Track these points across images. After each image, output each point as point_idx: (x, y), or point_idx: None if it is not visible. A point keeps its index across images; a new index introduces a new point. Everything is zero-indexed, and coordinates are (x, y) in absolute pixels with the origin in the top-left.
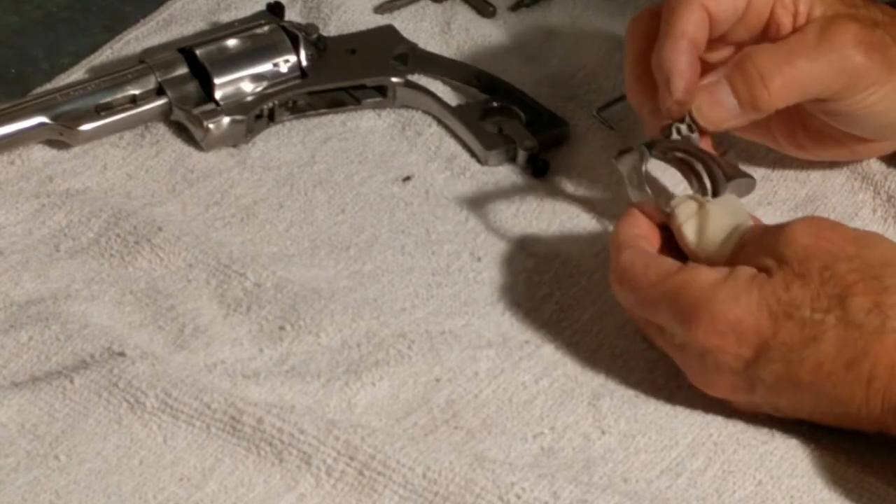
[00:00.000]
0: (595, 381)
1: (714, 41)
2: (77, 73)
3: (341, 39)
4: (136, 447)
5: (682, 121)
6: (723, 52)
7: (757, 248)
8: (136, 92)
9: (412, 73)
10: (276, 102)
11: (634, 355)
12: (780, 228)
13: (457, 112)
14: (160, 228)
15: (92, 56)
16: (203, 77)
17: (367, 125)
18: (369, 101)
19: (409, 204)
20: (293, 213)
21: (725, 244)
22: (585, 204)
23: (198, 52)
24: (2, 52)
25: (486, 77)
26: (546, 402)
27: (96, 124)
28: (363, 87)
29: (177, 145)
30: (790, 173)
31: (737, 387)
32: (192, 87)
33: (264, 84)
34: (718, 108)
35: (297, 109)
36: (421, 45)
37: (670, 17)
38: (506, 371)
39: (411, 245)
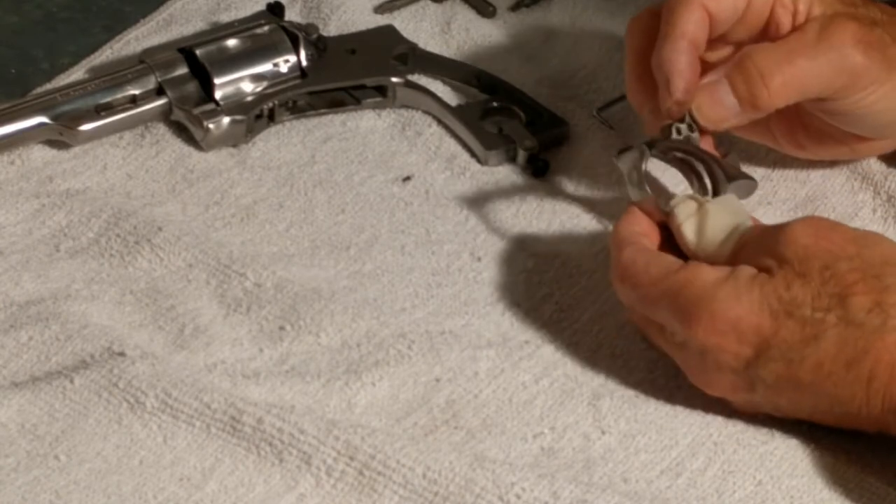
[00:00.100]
0: (595, 381)
1: (714, 41)
2: (77, 73)
3: (341, 39)
4: (136, 447)
5: (682, 120)
6: (722, 52)
7: (757, 248)
8: (136, 92)
9: (412, 73)
10: (276, 102)
11: (634, 355)
12: (780, 229)
13: (457, 112)
14: (160, 228)
15: (92, 56)
16: (203, 77)
17: (367, 125)
18: (369, 101)
19: (409, 204)
20: (293, 213)
21: (725, 244)
22: (585, 204)
23: (198, 52)
24: (2, 52)
25: (486, 77)
26: (546, 402)
27: (96, 124)
28: (363, 87)
29: (177, 145)
30: (790, 173)
31: (737, 386)
32: (192, 87)
33: (264, 84)
34: (718, 107)
35: (297, 109)
36: (421, 45)
37: (670, 17)
38: (506, 371)
39: (411, 245)
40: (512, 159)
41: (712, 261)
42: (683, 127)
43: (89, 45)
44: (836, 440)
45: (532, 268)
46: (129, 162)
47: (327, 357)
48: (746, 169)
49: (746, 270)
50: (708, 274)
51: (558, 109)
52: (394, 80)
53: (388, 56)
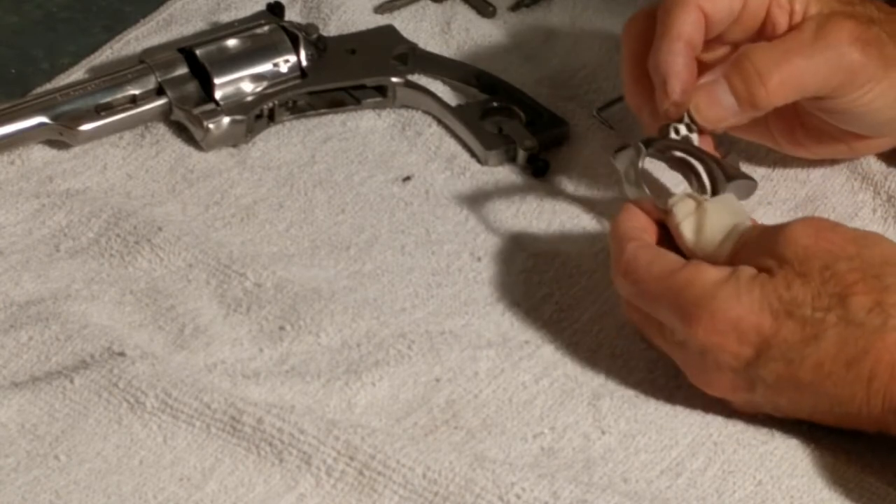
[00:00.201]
0: (595, 381)
1: (710, 41)
2: (77, 73)
3: (341, 39)
4: (136, 447)
5: (680, 121)
6: (719, 52)
7: (757, 248)
8: (136, 92)
9: (412, 73)
10: (276, 102)
11: (634, 355)
12: (779, 229)
13: (457, 112)
14: (160, 228)
15: (92, 56)
16: (203, 77)
17: (367, 125)
18: (369, 101)
19: (409, 204)
20: (293, 213)
21: (724, 244)
22: (585, 204)
23: (198, 52)
24: (2, 52)
25: (486, 77)
26: (546, 402)
27: (96, 124)
28: (363, 87)
29: (177, 145)
30: (790, 173)
31: (737, 386)
32: (192, 87)
33: (264, 84)
34: (717, 106)
35: (297, 109)
36: (421, 45)
37: (666, 18)
38: (506, 371)
39: (411, 245)
40: (512, 159)
41: (711, 260)
42: (682, 127)
43: (89, 45)
44: (836, 440)
45: (532, 268)
46: (129, 162)
47: (327, 357)
48: (746, 169)
49: (747, 270)
50: (709, 273)
51: (558, 109)
52: (394, 80)
53: (388, 56)
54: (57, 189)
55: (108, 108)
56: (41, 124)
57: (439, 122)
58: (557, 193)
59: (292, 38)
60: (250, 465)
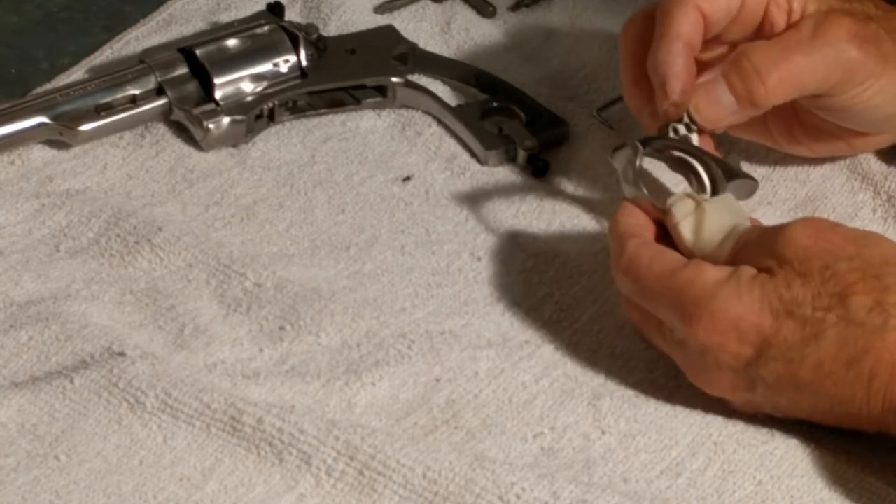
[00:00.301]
0: (595, 381)
1: (709, 41)
2: (77, 73)
3: (341, 39)
4: (136, 447)
5: (680, 121)
6: (718, 52)
7: (756, 249)
8: (136, 92)
9: (412, 73)
10: (276, 102)
11: (634, 355)
12: (779, 229)
13: (457, 112)
14: (160, 228)
15: (92, 56)
16: (203, 77)
17: (367, 125)
18: (369, 101)
19: (409, 204)
20: (293, 213)
21: (723, 244)
22: (585, 204)
23: (198, 52)
24: (2, 52)
25: (485, 77)
26: (546, 402)
27: (96, 124)
28: (363, 87)
29: (177, 145)
30: (790, 173)
31: (737, 385)
32: (192, 87)
33: (264, 84)
34: (716, 105)
35: (297, 109)
36: (421, 45)
37: (664, 19)
38: (506, 371)
39: (411, 245)
40: (512, 159)
41: (710, 261)
42: (681, 127)
43: (89, 45)
44: (836, 440)
45: (532, 268)
46: (129, 162)
47: (327, 357)
48: (747, 169)
49: (747, 270)
50: (710, 273)
51: (558, 109)
52: (394, 80)
53: (388, 56)
54: (57, 189)
55: (108, 108)
56: (41, 124)
57: (439, 122)
58: (557, 193)
59: (292, 38)
60: (250, 465)
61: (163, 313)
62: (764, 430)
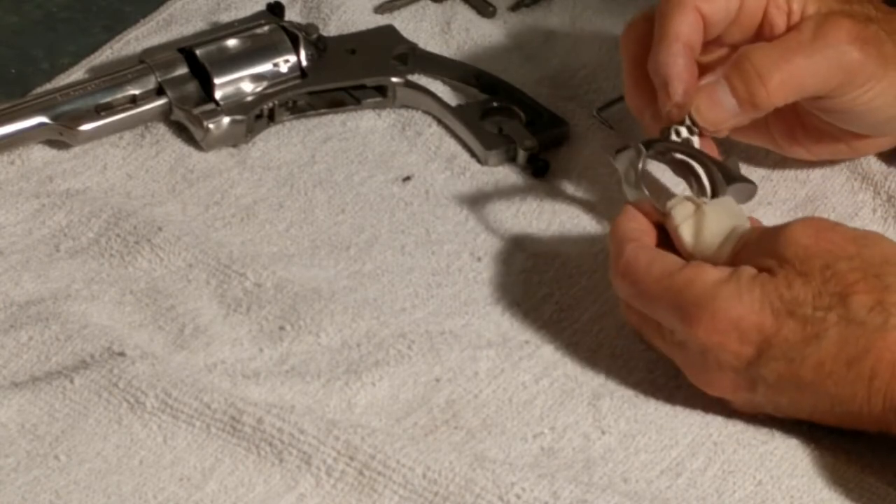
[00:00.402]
0: (595, 381)
1: (709, 43)
2: (77, 73)
3: (341, 39)
4: (136, 447)
5: (681, 123)
6: (718, 54)
7: (757, 249)
8: (136, 92)
9: (412, 73)
10: (276, 102)
11: (634, 355)
12: (779, 230)
13: (457, 112)
14: (160, 228)
15: (92, 56)
16: (203, 77)
17: (367, 125)
18: (369, 101)
19: (409, 204)
20: (293, 213)
21: (722, 247)
22: (585, 204)
23: (198, 52)
24: (2, 52)
25: (486, 77)
26: (546, 402)
27: (96, 124)
28: (363, 87)
29: (177, 145)
30: (790, 173)
31: (738, 385)
32: (192, 87)
33: (264, 84)
34: (717, 108)
35: (297, 109)
36: (421, 45)
37: (663, 20)
38: (506, 371)
39: (411, 245)
40: (512, 159)
41: (710, 263)
42: (683, 129)
43: (89, 45)
44: (836, 440)
45: (532, 268)
46: (129, 162)
47: (327, 357)
48: (747, 169)
49: (748, 270)
50: (709, 273)
51: (558, 109)
52: (394, 80)
53: (388, 56)
54: (57, 189)
55: (108, 108)
56: (41, 124)
57: (439, 122)
58: (557, 193)
59: (292, 38)
60: (250, 465)
61: (163, 313)
62: (764, 430)
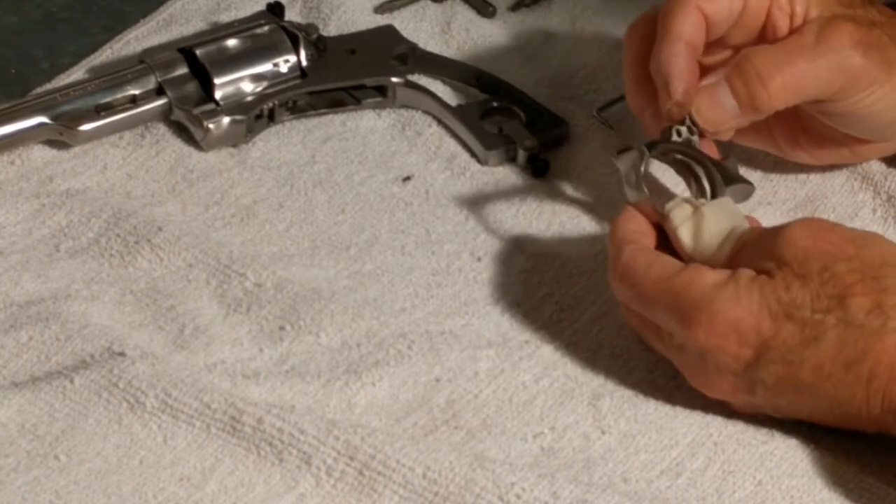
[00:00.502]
0: (595, 381)
1: (711, 45)
2: (77, 73)
3: (341, 39)
4: (136, 447)
5: (682, 123)
6: (720, 56)
7: (755, 250)
8: (136, 92)
9: (412, 73)
10: (276, 102)
11: (634, 355)
12: (778, 231)
13: (457, 112)
14: (160, 228)
15: (92, 56)
16: (203, 77)
17: (367, 125)
18: (369, 101)
19: (409, 204)
20: (293, 213)
21: (721, 248)
22: (585, 204)
23: (198, 52)
24: (2, 52)
25: (486, 77)
26: (546, 402)
27: (96, 124)
28: (363, 87)
29: (177, 145)
30: (790, 173)
31: (737, 388)
32: (192, 87)
33: (264, 84)
34: (718, 109)
35: (297, 109)
36: (421, 45)
37: (666, 20)
38: (506, 371)
39: (411, 245)
40: (512, 159)
41: (709, 264)
42: (683, 130)
43: (89, 45)
44: (835, 440)
45: (532, 268)
46: (129, 162)
47: (327, 357)
48: (747, 170)
49: (746, 273)
50: (708, 276)
51: (558, 109)
52: (394, 80)
53: (388, 56)
54: (57, 189)
55: (108, 108)
56: (41, 124)
57: (439, 122)
58: (557, 193)
59: (292, 38)
60: (250, 465)
61: (163, 313)
62: (764, 430)
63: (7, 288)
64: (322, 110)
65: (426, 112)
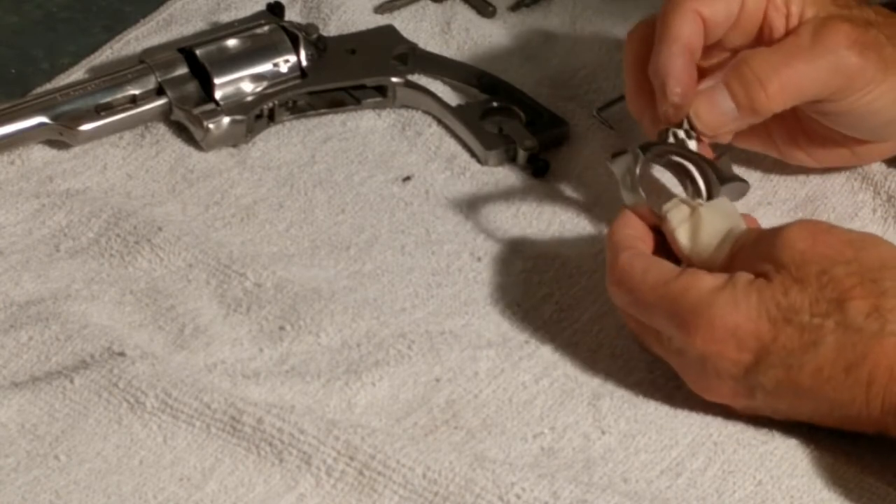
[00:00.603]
0: (595, 381)
1: (710, 48)
2: (77, 73)
3: (341, 39)
4: (136, 447)
5: (680, 126)
6: (719, 59)
7: (753, 252)
8: (136, 92)
9: (412, 73)
10: (276, 102)
11: (634, 355)
12: (775, 232)
13: (457, 112)
14: (160, 228)
15: (92, 56)
16: (203, 77)
17: (367, 125)
18: (369, 101)
19: (409, 204)
20: (293, 213)
21: (719, 248)
22: (585, 204)
23: (198, 52)
24: (2, 52)
25: (486, 77)
26: (546, 402)
27: (96, 124)
28: (363, 87)
29: (177, 145)
30: (790, 173)
31: (737, 392)
32: (192, 87)
33: (264, 84)
34: (716, 112)
35: (297, 109)
36: (421, 45)
37: (664, 23)
38: (506, 371)
39: (411, 245)
40: (512, 159)
41: (707, 266)
42: (681, 132)
43: (89, 45)
44: (835, 441)
45: (532, 268)
46: (129, 162)
47: (327, 357)
48: (746, 170)
49: (744, 277)
50: (705, 281)
51: (558, 109)
52: (394, 80)
53: (388, 56)
54: (57, 189)
55: (108, 108)
56: (41, 124)
57: (439, 122)
58: (557, 193)
59: (292, 38)
60: (250, 465)
61: (163, 313)
62: (764, 430)
63: (7, 288)
64: (322, 110)
65: (426, 112)
